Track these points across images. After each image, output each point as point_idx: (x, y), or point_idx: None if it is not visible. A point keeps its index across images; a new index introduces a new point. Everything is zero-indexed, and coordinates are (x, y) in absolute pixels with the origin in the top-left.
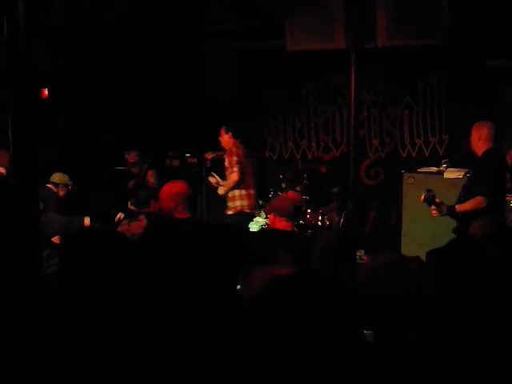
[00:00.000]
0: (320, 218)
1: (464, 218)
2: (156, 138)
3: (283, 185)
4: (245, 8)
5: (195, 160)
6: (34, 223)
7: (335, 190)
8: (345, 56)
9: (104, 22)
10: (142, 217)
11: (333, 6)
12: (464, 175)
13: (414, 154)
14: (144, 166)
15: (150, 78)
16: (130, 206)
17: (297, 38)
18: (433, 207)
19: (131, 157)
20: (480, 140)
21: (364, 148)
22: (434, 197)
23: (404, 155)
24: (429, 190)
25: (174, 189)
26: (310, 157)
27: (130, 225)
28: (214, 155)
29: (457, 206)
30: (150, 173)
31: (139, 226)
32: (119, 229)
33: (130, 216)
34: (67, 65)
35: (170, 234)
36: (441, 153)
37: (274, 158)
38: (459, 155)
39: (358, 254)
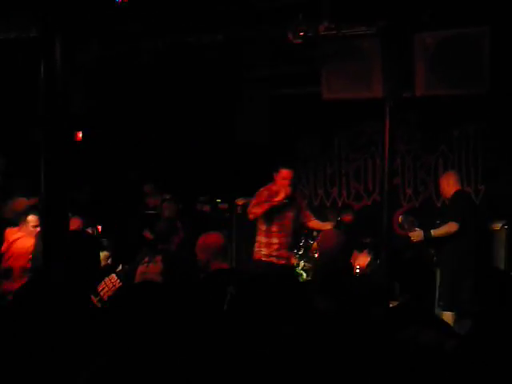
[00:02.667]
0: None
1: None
2: (187, 182)
3: (315, 233)
4: (281, 55)
5: (226, 206)
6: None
7: (367, 240)
8: (379, 104)
9: (138, 65)
10: (159, 258)
11: (370, 55)
12: None
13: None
14: (160, 196)
15: (182, 121)
16: (147, 235)
17: (333, 86)
18: (411, 232)
19: (147, 187)
20: (448, 186)
21: (397, 197)
22: (412, 222)
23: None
24: (406, 214)
25: (208, 240)
26: (340, 204)
27: (149, 266)
28: (244, 201)
29: (432, 231)
30: (164, 204)
31: (155, 269)
32: (140, 267)
33: (152, 252)
34: (101, 107)
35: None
36: (477, 202)
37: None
38: (494, 205)
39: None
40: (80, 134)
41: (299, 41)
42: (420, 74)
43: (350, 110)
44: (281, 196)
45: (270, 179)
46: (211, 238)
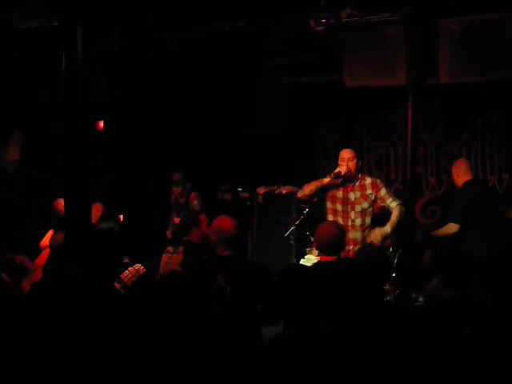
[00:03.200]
0: None
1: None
2: (208, 170)
3: None
4: (302, 43)
5: (247, 194)
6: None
7: None
8: (401, 92)
9: (159, 55)
10: (181, 249)
11: (393, 41)
12: None
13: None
14: (187, 185)
15: (203, 110)
16: (169, 234)
17: (356, 74)
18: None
19: (175, 176)
20: (458, 176)
21: (420, 185)
22: None
23: None
24: None
25: (220, 225)
26: None
27: (172, 257)
28: (266, 190)
29: (434, 232)
30: (193, 194)
31: (177, 260)
32: (163, 257)
33: (176, 242)
34: (123, 96)
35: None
36: (500, 192)
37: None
38: None
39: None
40: (101, 124)
41: (321, 28)
42: (444, 61)
43: (371, 97)
44: (333, 174)
45: (290, 167)
46: (222, 224)
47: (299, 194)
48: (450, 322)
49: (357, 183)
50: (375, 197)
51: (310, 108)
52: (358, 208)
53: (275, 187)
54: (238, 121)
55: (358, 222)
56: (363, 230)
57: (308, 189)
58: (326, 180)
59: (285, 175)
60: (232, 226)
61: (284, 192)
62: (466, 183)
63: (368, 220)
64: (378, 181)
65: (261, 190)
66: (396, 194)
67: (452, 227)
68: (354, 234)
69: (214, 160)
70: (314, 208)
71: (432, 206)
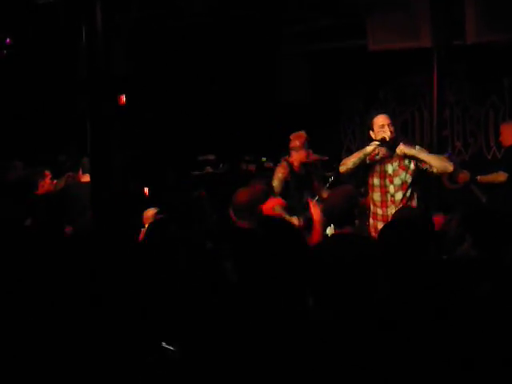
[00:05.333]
0: None
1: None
2: (232, 142)
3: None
4: (323, 7)
5: (271, 164)
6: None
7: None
8: (425, 55)
9: (178, 25)
10: None
11: (418, 2)
12: None
13: (499, 156)
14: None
15: (224, 80)
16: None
17: (379, 37)
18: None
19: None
20: (510, 136)
21: (446, 149)
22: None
23: (489, 157)
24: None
25: (235, 196)
26: None
27: None
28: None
29: (479, 177)
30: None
31: None
32: None
33: None
34: (143, 70)
35: None
36: None
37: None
38: None
39: None
40: (123, 98)
41: None
42: (470, 20)
43: (395, 61)
44: (378, 141)
45: (314, 135)
46: (238, 196)
47: (342, 169)
48: (467, 282)
49: (394, 154)
50: (415, 165)
51: (333, 75)
52: (397, 181)
53: None
54: (260, 90)
55: (399, 196)
56: (405, 205)
57: (350, 161)
58: (370, 148)
59: (309, 143)
60: (241, 196)
61: None
62: None
63: (409, 193)
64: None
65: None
66: None
67: (500, 175)
68: (393, 210)
69: (237, 130)
70: (339, 176)
71: (458, 171)
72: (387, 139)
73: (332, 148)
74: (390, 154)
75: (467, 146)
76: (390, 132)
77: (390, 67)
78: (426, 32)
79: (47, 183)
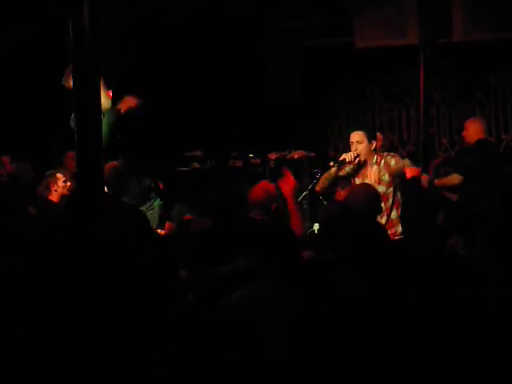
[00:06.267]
0: None
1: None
2: (219, 138)
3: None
4: (311, 5)
5: (258, 160)
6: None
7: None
8: (413, 52)
9: (166, 23)
10: None
11: (405, 0)
12: None
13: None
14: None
15: (212, 77)
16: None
17: (366, 34)
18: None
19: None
20: (475, 132)
21: (433, 147)
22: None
23: None
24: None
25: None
26: None
27: None
28: (277, 155)
29: (436, 180)
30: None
31: None
32: None
33: None
34: (131, 67)
35: None
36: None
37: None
38: None
39: None
40: (110, 93)
41: None
42: (457, 18)
43: (382, 59)
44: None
45: (302, 132)
46: (253, 192)
47: (317, 188)
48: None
49: (373, 167)
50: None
51: (321, 71)
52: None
53: (287, 152)
54: (248, 86)
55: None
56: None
57: (321, 183)
58: (333, 170)
59: (296, 140)
60: (254, 192)
61: (296, 157)
62: (479, 142)
63: (390, 204)
64: (394, 160)
65: (272, 156)
66: (409, 156)
67: (455, 178)
68: (382, 220)
69: (224, 126)
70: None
71: (445, 167)
72: (347, 160)
73: (319, 144)
74: (367, 169)
75: (453, 143)
76: (356, 151)
77: (378, 64)
78: (413, 29)
79: (60, 186)
